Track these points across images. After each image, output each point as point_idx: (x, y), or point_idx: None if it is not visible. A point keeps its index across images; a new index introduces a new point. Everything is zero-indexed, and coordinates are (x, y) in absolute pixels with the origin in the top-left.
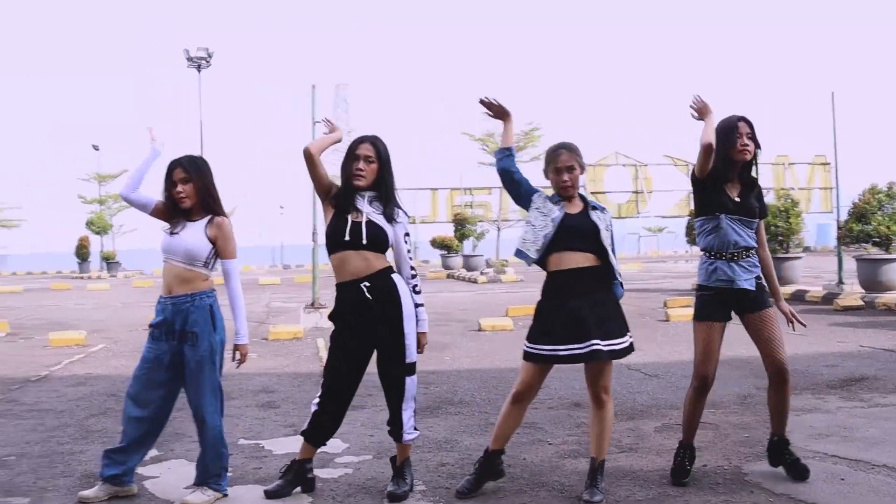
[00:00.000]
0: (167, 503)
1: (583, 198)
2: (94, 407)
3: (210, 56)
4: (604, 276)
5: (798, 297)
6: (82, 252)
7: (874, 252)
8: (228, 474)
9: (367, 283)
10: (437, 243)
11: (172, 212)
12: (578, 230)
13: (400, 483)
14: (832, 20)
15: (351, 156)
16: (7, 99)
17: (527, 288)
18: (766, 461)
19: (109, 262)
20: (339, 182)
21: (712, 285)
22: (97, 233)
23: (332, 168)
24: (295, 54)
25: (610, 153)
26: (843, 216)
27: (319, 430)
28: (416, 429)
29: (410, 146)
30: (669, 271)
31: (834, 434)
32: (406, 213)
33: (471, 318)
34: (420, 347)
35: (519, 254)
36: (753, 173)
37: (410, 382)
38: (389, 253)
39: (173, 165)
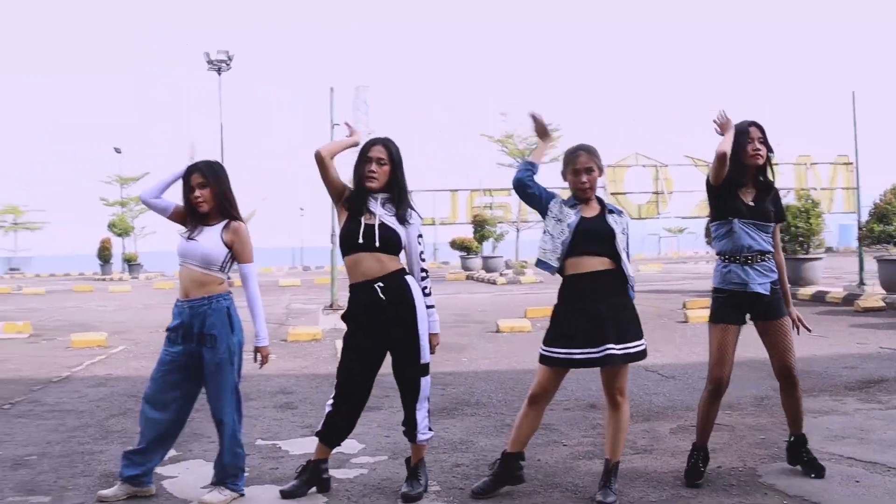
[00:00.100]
0: (185, 503)
1: (600, 200)
2: (115, 407)
3: (230, 59)
4: (620, 279)
5: (818, 299)
6: (104, 254)
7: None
8: (245, 474)
9: (381, 284)
10: (457, 244)
11: (190, 216)
12: (595, 234)
13: (414, 484)
14: (853, 20)
15: (363, 158)
16: (28, 100)
17: (546, 289)
18: (782, 463)
19: (131, 263)
20: (351, 185)
21: (726, 288)
22: (119, 235)
23: (348, 170)
24: (314, 56)
25: (630, 154)
26: (865, 216)
27: (333, 430)
28: (430, 429)
29: (429, 147)
30: (689, 272)
31: (851, 436)
32: (419, 215)
33: (489, 320)
34: (432, 348)
35: (540, 264)
36: (769, 177)
37: (425, 383)
38: (403, 254)
39: (191, 170)
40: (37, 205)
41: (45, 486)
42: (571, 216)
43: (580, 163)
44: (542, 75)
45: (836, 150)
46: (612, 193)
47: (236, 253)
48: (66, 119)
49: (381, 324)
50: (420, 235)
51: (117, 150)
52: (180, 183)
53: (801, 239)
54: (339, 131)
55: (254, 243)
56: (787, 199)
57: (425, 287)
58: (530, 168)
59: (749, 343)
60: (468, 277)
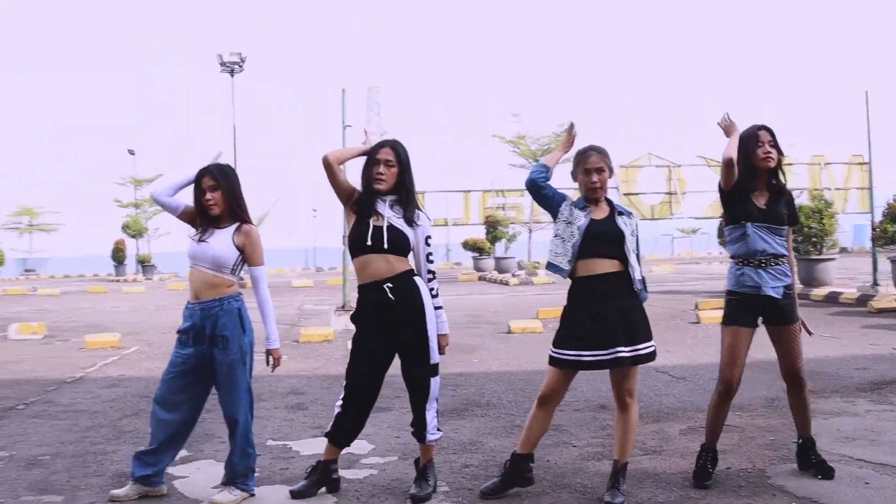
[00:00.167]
0: (195, 502)
1: (609, 202)
2: (127, 408)
3: (243, 60)
4: (629, 281)
5: (832, 299)
6: (118, 255)
7: None
8: (256, 474)
9: (390, 285)
10: (469, 245)
11: (201, 219)
12: (604, 236)
13: (423, 485)
14: (867, 20)
15: (371, 160)
16: (38, 101)
17: (558, 290)
18: (791, 464)
19: (145, 265)
20: (359, 187)
21: (740, 291)
22: (133, 236)
23: (357, 174)
24: (324, 56)
25: (643, 154)
26: (879, 217)
27: (342, 431)
28: (439, 429)
29: (441, 148)
30: (702, 273)
31: (861, 437)
32: (428, 217)
33: (501, 321)
34: (441, 349)
35: (551, 267)
36: (782, 180)
37: (434, 383)
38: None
39: (202, 173)
40: (51, 206)
41: (57, 485)
42: (581, 218)
43: (591, 163)
44: (555, 75)
45: (851, 150)
46: (625, 194)
47: (247, 256)
48: (78, 120)
49: (389, 324)
50: (429, 237)
51: (131, 152)
52: (191, 185)
53: (814, 239)
54: (351, 133)
55: (267, 245)
56: (801, 199)
57: (432, 288)
58: (545, 171)
59: (760, 345)
60: (480, 278)
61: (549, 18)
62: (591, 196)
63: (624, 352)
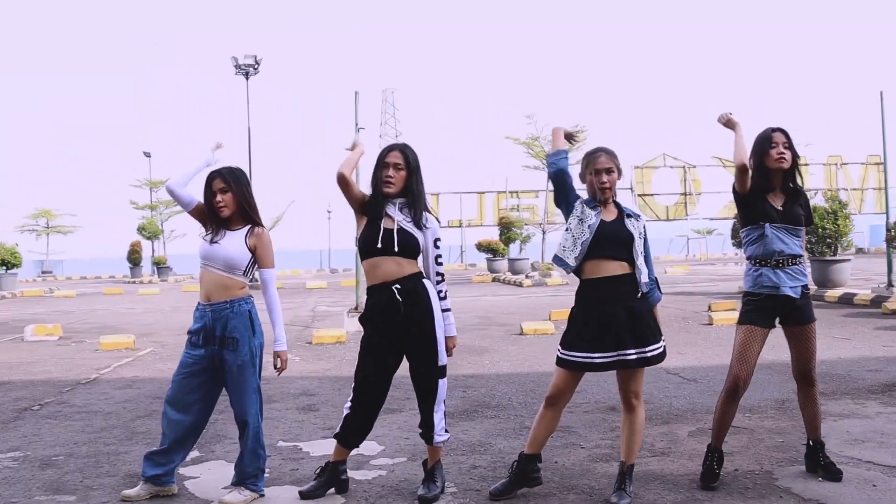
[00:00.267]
0: (206, 503)
1: (617, 205)
2: (140, 409)
3: (258, 63)
4: (637, 283)
5: (846, 301)
6: (134, 257)
7: None
8: (266, 475)
9: (399, 286)
10: (483, 247)
11: (212, 220)
12: (613, 238)
13: (431, 486)
14: (884, 19)
15: (380, 164)
16: (52, 102)
17: (572, 292)
18: (799, 466)
19: (160, 266)
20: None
21: (758, 292)
22: (148, 238)
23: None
24: (340, 57)
25: (658, 155)
26: (894, 217)
27: (351, 432)
28: (446, 431)
29: (457, 149)
30: (717, 274)
31: (870, 440)
32: (437, 219)
33: (513, 322)
34: (449, 351)
35: (557, 260)
36: (798, 181)
37: (442, 385)
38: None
39: (213, 176)
40: (67, 208)
41: (70, 485)
42: (592, 217)
43: (600, 163)
44: (569, 75)
45: (868, 150)
46: (640, 195)
47: (258, 258)
48: (91, 122)
49: (397, 326)
50: (437, 239)
51: (147, 154)
52: (203, 189)
53: (828, 240)
54: (364, 136)
55: (282, 246)
56: (815, 199)
57: (441, 290)
58: (565, 154)
59: (772, 346)
60: (494, 279)
61: (563, 18)
62: (601, 196)
63: (631, 353)
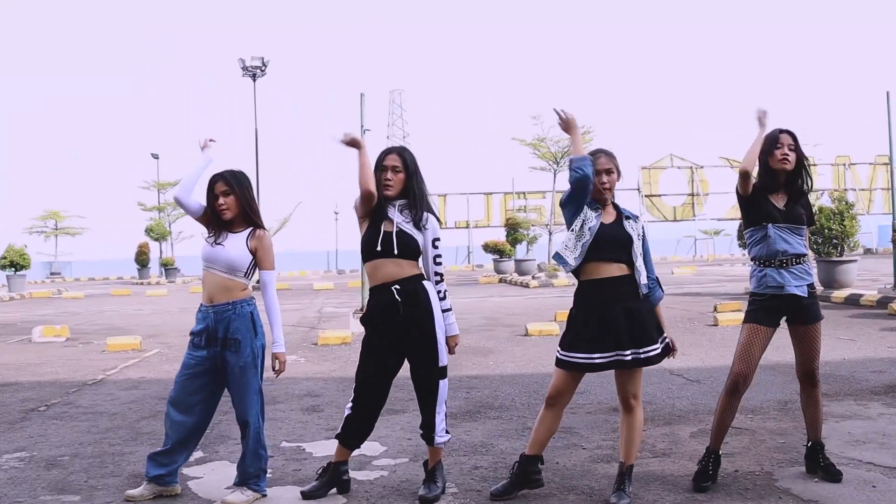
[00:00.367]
0: (209, 503)
1: (616, 206)
2: (146, 410)
3: (265, 65)
4: (636, 284)
5: (852, 301)
6: (142, 258)
7: None
8: (268, 475)
9: (398, 287)
10: (490, 248)
11: (214, 223)
12: (612, 240)
13: (431, 486)
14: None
15: (379, 167)
16: (57, 103)
17: None
18: (800, 467)
19: (168, 268)
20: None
21: (763, 292)
22: (156, 239)
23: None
24: (347, 57)
25: (665, 155)
26: None
27: (351, 433)
28: (447, 432)
29: (464, 150)
30: (724, 275)
31: (872, 441)
32: (438, 219)
33: (519, 323)
34: (451, 350)
35: (558, 258)
36: (806, 182)
37: (443, 386)
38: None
39: (215, 179)
40: (75, 210)
41: (75, 485)
42: (593, 219)
43: (600, 164)
44: (575, 76)
45: (876, 150)
46: (647, 195)
47: (259, 260)
48: (97, 122)
49: (396, 327)
50: (436, 239)
51: (154, 156)
52: (205, 191)
53: (835, 241)
54: (370, 137)
55: (290, 248)
56: (821, 200)
57: (440, 290)
58: (590, 161)
59: (776, 347)
60: (501, 280)
61: (570, 18)
62: (600, 197)
63: (626, 354)
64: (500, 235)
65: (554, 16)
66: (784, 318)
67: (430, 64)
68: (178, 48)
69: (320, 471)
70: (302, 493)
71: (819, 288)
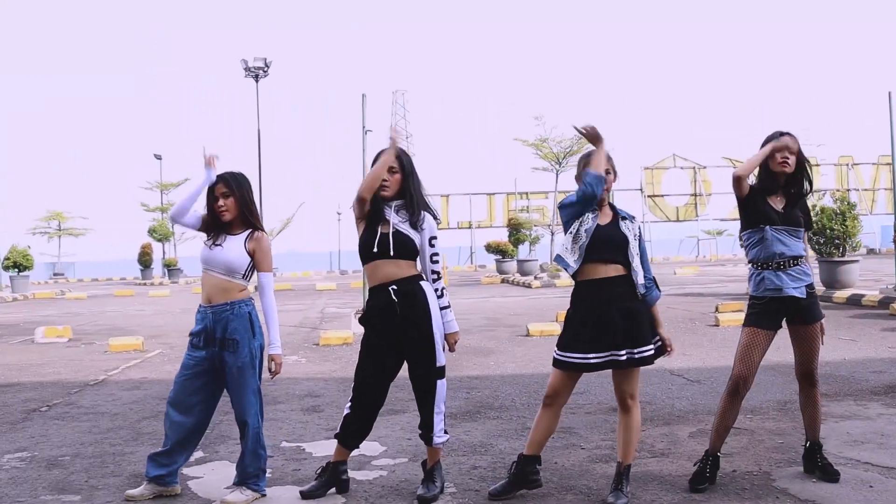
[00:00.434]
0: (208, 502)
1: (612, 207)
2: (147, 410)
3: (268, 66)
4: (632, 284)
5: (854, 302)
6: (144, 259)
7: None
8: (267, 475)
9: (395, 287)
10: (492, 248)
11: (213, 224)
12: (609, 241)
13: (430, 486)
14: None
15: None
16: (59, 104)
17: None
18: (798, 467)
19: (171, 268)
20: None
21: (762, 295)
22: (159, 240)
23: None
24: (349, 58)
25: (668, 156)
26: None
27: (350, 433)
28: (445, 432)
29: (466, 150)
30: (726, 275)
31: (870, 441)
32: (436, 218)
33: (520, 324)
34: (452, 347)
35: (559, 260)
36: (805, 185)
37: (440, 386)
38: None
39: (215, 181)
40: (78, 210)
41: (76, 485)
42: (589, 220)
43: None
44: (576, 76)
45: (879, 151)
46: (650, 196)
47: (257, 262)
48: (98, 123)
49: (394, 327)
50: (433, 238)
51: (157, 157)
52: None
53: (836, 241)
54: (372, 138)
55: (294, 248)
56: (823, 201)
57: (437, 288)
58: (604, 180)
59: (778, 347)
60: (503, 281)
61: (570, 18)
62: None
63: (621, 354)
64: (502, 236)
65: (554, 16)
66: (784, 319)
67: (430, 64)
68: (178, 48)
69: (319, 471)
70: (301, 492)
71: (821, 288)
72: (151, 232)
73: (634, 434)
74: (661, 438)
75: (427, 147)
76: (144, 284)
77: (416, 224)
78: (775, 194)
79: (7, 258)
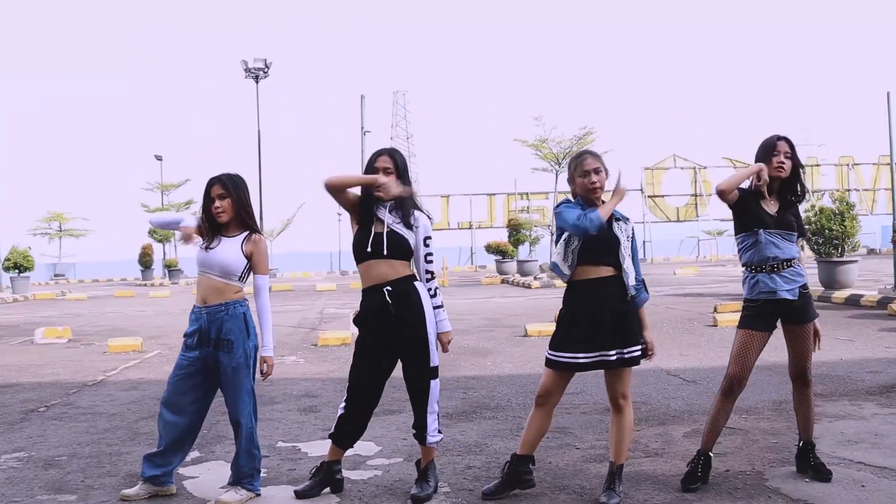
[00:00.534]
0: (203, 502)
1: None
2: (144, 410)
3: (268, 67)
4: (624, 285)
5: (852, 302)
6: (145, 260)
7: None
8: (262, 475)
9: (389, 288)
10: (492, 248)
11: (210, 227)
12: (601, 242)
13: (423, 485)
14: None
15: (370, 169)
16: (60, 104)
17: None
18: (791, 467)
19: (171, 269)
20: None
21: (756, 298)
22: (159, 241)
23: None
24: (349, 58)
25: (668, 156)
26: None
27: (345, 433)
28: (439, 432)
29: (466, 151)
30: (726, 275)
31: (864, 441)
32: (429, 217)
33: (519, 324)
34: (444, 346)
35: (555, 268)
36: (798, 190)
37: (434, 386)
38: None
39: (212, 182)
40: (79, 211)
41: (72, 485)
42: None
43: (588, 164)
44: (577, 76)
45: (880, 151)
46: (650, 196)
47: (253, 264)
48: (99, 124)
49: (388, 327)
50: (428, 238)
51: (158, 158)
52: (202, 195)
53: (835, 241)
54: (371, 138)
55: (294, 248)
56: (823, 201)
57: (430, 288)
58: (603, 227)
59: (772, 347)
60: (503, 281)
61: (570, 19)
62: (591, 196)
63: (611, 354)
64: (502, 236)
65: (554, 16)
66: (779, 319)
67: (430, 64)
68: (178, 48)
69: (314, 470)
70: (295, 492)
71: (819, 288)
72: (152, 233)
73: (627, 434)
74: (656, 438)
75: (427, 147)
76: (145, 285)
77: (409, 223)
78: (769, 198)
79: (8, 259)
